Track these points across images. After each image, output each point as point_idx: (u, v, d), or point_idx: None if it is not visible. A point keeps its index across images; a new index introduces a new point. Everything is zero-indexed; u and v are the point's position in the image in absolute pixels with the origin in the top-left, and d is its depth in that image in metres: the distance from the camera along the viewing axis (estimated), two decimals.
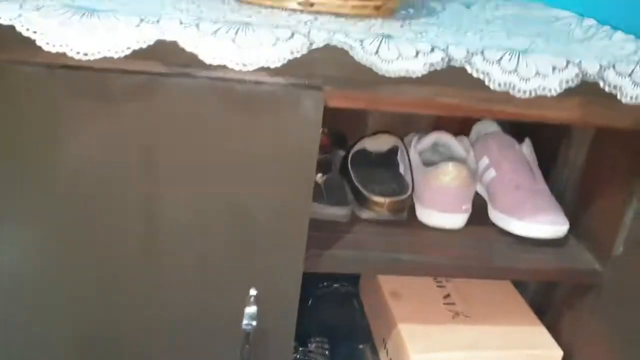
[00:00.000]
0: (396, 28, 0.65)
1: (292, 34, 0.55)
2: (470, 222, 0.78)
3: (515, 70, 0.56)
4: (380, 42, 0.56)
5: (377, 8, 0.70)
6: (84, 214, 0.61)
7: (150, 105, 0.57)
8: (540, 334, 0.82)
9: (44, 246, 0.62)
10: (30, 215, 0.60)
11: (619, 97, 0.59)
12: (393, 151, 0.85)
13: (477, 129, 0.91)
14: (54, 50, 0.52)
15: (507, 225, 0.77)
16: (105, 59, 0.53)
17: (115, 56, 0.53)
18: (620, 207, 0.72)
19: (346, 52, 0.56)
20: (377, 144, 0.85)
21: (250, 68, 0.54)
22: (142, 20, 0.53)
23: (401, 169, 0.83)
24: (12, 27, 0.52)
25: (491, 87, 0.57)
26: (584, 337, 0.79)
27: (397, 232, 0.76)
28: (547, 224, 0.75)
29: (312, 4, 0.67)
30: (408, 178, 0.80)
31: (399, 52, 0.56)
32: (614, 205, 0.74)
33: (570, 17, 0.79)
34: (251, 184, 0.61)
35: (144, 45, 0.53)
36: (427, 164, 0.80)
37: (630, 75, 0.59)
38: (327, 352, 0.86)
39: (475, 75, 0.57)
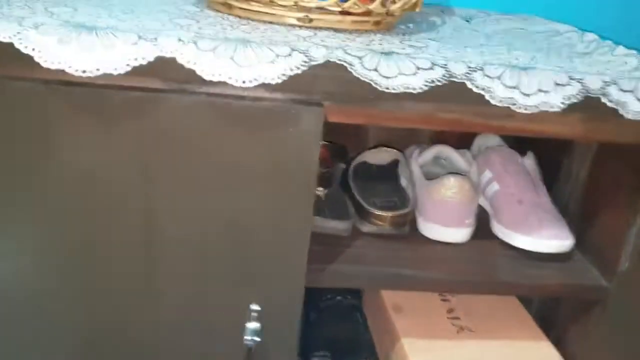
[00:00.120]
0: (396, 43, 0.65)
1: (291, 51, 0.55)
2: (473, 236, 0.77)
3: (517, 86, 0.56)
4: (380, 58, 0.56)
5: (376, 23, 0.70)
6: (82, 230, 0.60)
7: (149, 121, 0.57)
8: (545, 349, 0.81)
9: (42, 261, 0.61)
10: (27, 230, 0.60)
11: (621, 113, 0.58)
12: (394, 164, 0.85)
13: (478, 142, 0.91)
14: (52, 68, 0.52)
15: (511, 239, 0.77)
16: (103, 75, 0.53)
17: (114, 73, 0.53)
18: (625, 222, 0.71)
19: (345, 69, 0.56)
20: (378, 157, 0.84)
21: (249, 85, 0.54)
22: (140, 37, 0.53)
23: (402, 182, 0.82)
24: (10, 45, 0.52)
25: (492, 102, 0.56)
26: (590, 353, 0.78)
27: (399, 246, 0.75)
28: (552, 239, 0.74)
29: (311, 20, 0.67)
30: (410, 191, 0.79)
31: (398, 69, 0.55)
32: (618, 220, 0.73)
33: (571, 32, 0.78)
34: (251, 200, 0.61)
35: (143, 62, 0.53)
36: (429, 177, 0.80)
37: (633, 91, 0.58)
38: None
39: (475, 90, 0.56)
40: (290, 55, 0.54)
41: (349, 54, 0.56)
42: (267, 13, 0.67)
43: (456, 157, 0.83)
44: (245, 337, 0.64)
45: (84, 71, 0.52)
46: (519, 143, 0.88)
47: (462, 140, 0.91)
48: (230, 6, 0.69)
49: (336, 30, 0.67)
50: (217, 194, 0.60)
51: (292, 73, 0.55)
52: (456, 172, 0.79)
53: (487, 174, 0.82)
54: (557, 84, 0.57)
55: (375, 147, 0.84)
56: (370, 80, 0.55)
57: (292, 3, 0.65)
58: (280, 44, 0.56)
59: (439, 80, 0.56)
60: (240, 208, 0.61)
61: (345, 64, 0.55)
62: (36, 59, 0.52)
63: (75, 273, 0.62)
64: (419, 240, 0.77)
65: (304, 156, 0.60)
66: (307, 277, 0.65)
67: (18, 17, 0.56)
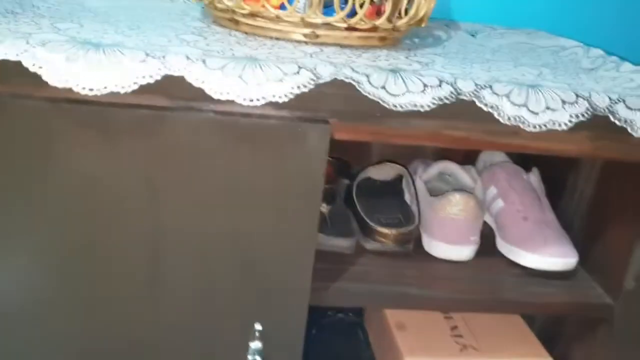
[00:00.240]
0: (402, 59, 0.65)
1: (299, 69, 0.54)
2: (478, 252, 0.77)
3: (525, 104, 0.56)
4: (387, 76, 0.56)
5: (382, 39, 0.70)
6: (88, 247, 0.60)
7: (156, 139, 0.56)
8: None
9: (45, 276, 0.61)
10: (32, 249, 0.59)
11: (629, 131, 0.58)
12: (398, 179, 0.84)
13: (483, 158, 0.91)
14: (59, 86, 0.52)
15: (515, 257, 0.76)
16: (110, 93, 0.53)
17: (122, 91, 0.52)
18: (630, 240, 0.71)
19: (353, 86, 0.55)
20: (382, 172, 0.84)
21: (257, 103, 0.54)
22: (148, 55, 0.53)
23: (407, 198, 0.82)
24: (17, 62, 0.52)
25: (501, 120, 0.56)
26: None
27: (403, 264, 0.75)
28: (557, 257, 0.74)
29: (317, 36, 0.67)
30: (414, 208, 0.79)
31: (406, 86, 0.55)
32: (623, 238, 0.73)
33: (576, 47, 0.79)
34: (256, 217, 0.60)
35: (151, 81, 0.53)
36: (434, 193, 0.79)
37: None
38: None
39: (485, 109, 0.56)
40: (298, 73, 0.54)
41: (356, 72, 0.55)
42: (273, 29, 0.67)
43: (461, 174, 0.82)
44: (249, 357, 0.63)
45: (91, 89, 0.52)
46: (523, 159, 0.88)
47: (467, 156, 0.91)
48: (236, 22, 0.69)
49: (342, 46, 0.67)
50: (223, 212, 0.60)
51: (299, 91, 0.54)
52: (461, 189, 0.78)
53: (492, 191, 0.81)
54: (565, 102, 0.57)
55: (379, 162, 0.84)
56: (378, 98, 0.55)
57: (298, 19, 0.65)
58: (287, 61, 0.56)
59: (446, 98, 0.56)
60: (246, 226, 0.61)
61: (352, 82, 0.55)
62: (44, 77, 0.51)
63: (79, 289, 0.61)
64: (423, 257, 0.76)
65: (310, 174, 0.59)
66: (310, 295, 0.64)
67: (25, 33, 0.56)
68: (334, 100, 0.56)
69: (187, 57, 0.53)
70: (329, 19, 0.65)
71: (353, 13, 0.64)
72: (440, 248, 0.75)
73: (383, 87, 0.55)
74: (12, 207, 0.58)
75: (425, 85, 0.55)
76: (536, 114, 0.56)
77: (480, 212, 0.75)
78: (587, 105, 0.57)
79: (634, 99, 0.58)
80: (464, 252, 0.75)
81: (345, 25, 0.65)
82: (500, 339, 0.83)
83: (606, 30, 0.95)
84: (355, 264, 0.73)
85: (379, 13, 0.67)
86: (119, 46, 0.54)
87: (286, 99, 0.54)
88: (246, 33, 0.68)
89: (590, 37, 0.84)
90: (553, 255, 0.74)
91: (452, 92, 0.55)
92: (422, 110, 0.56)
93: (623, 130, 0.59)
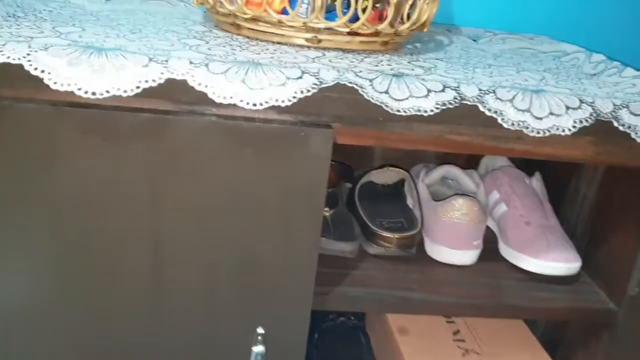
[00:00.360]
0: (404, 64, 0.65)
1: (302, 74, 0.54)
2: (480, 257, 0.77)
3: (529, 109, 0.56)
4: (390, 80, 0.55)
5: (384, 44, 0.70)
6: (89, 252, 0.59)
7: (158, 142, 0.56)
8: None
9: (45, 283, 0.60)
10: (32, 253, 0.59)
11: (633, 136, 0.58)
12: (400, 184, 0.84)
13: (486, 162, 0.90)
14: (62, 89, 0.52)
15: (518, 261, 0.76)
16: (113, 97, 0.52)
17: (124, 95, 0.52)
18: (633, 245, 0.71)
19: (356, 91, 0.55)
20: (384, 176, 0.84)
21: (260, 108, 0.53)
22: (151, 59, 0.53)
23: (409, 202, 0.82)
24: (19, 66, 0.52)
25: (504, 126, 0.56)
26: None
27: (406, 268, 0.74)
28: (560, 262, 0.74)
29: (319, 41, 0.67)
30: (417, 212, 0.78)
31: (409, 91, 0.55)
32: (626, 242, 0.72)
33: (578, 52, 0.79)
34: (259, 221, 0.60)
35: (154, 84, 0.53)
36: (436, 197, 0.79)
37: None
38: None
39: (488, 114, 0.56)
40: (301, 77, 0.54)
41: (360, 77, 0.55)
42: (275, 34, 0.67)
43: (464, 178, 0.82)
44: None
45: (93, 93, 0.52)
46: (526, 164, 0.88)
47: (469, 160, 0.91)
48: (238, 26, 0.69)
49: (344, 50, 0.67)
50: (225, 215, 0.59)
51: (302, 95, 0.54)
52: (464, 193, 0.78)
53: (495, 195, 0.81)
54: (568, 107, 0.57)
55: (381, 166, 0.83)
56: (381, 103, 0.55)
57: (301, 24, 0.65)
58: (290, 65, 0.56)
59: (450, 103, 0.55)
60: (248, 230, 0.60)
61: (356, 87, 0.55)
62: (46, 80, 0.51)
63: (80, 293, 0.61)
64: (425, 262, 0.76)
65: (313, 178, 0.59)
66: (312, 300, 0.64)
67: (27, 37, 0.55)
68: (337, 104, 0.56)
69: (190, 61, 0.53)
70: (332, 24, 0.65)
71: (355, 18, 0.64)
72: (443, 252, 0.75)
73: (386, 92, 0.55)
74: (14, 210, 0.57)
75: (428, 90, 0.55)
76: (540, 119, 0.56)
77: (483, 216, 0.75)
78: (590, 110, 0.57)
79: (638, 105, 0.58)
80: (466, 256, 0.75)
81: (347, 30, 0.65)
82: (503, 344, 0.83)
83: (607, 36, 0.95)
84: (357, 268, 0.73)
85: (381, 18, 0.67)
86: (122, 50, 0.54)
87: (289, 103, 0.54)
88: (248, 37, 0.68)
89: (591, 43, 0.84)
90: (556, 260, 0.74)
91: (455, 97, 0.55)
92: (425, 114, 0.56)
93: (626, 135, 0.59)
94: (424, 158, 0.92)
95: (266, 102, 0.54)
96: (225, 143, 0.57)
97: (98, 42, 0.57)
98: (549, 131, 0.56)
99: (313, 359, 0.87)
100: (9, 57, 0.51)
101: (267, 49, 0.64)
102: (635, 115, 0.58)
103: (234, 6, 0.66)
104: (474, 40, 0.84)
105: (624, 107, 0.58)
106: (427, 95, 0.55)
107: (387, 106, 0.55)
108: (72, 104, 0.54)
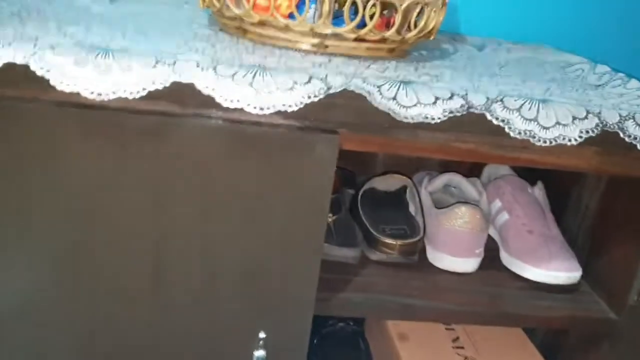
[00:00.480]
0: (411, 71, 0.65)
1: (310, 79, 0.54)
2: (481, 265, 0.77)
3: (535, 118, 0.56)
4: (398, 87, 0.55)
5: (390, 50, 0.70)
6: (91, 253, 0.59)
7: (163, 145, 0.56)
8: None
9: (49, 283, 0.60)
10: (36, 252, 0.59)
11: (639, 147, 0.58)
12: (402, 191, 0.84)
13: (488, 170, 0.90)
14: (67, 90, 0.51)
15: (519, 270, 0.76)
16: (119, 99, 0.52)
17: (130, 97, 0.52)
18: (634, 255, 0.71)
19: (363, 97, 0.55)
20: (387, 183, 0.84)
21: (267, 112, 0.53)
22: (158, 61, 0.53)
23: (411, 209, 0.82)
24: (25, 66, 0.51)
25: (511, 135, 0.56)
26: None
27: (407, 275, 0.74)
28: (560, 271, 0.74)
29: (326, 46, 0.66)
30: (419, 219, 0.78)
31: (417, 98, 0.55)
32: (627, 252, 0.73)
33: (583, 63, 0.79)
34: (262, 226, 0.60)
35: (160, 87, 0.52)
36: (439, 205, 0.79)
37: None
38: None
39: (495, 122, 0.56)
40: (309, 82, 0.54)
41: (368, 83, 0.55)
42: (281, 38, 0.67)
43: (467, 186, 0.82)
44: None
45: (99, 94, 0.51)
46: (528, 173, 0.88)
47: (471, 168, 0.91)
48: (244, 30, 0.68)
49: (350, 56, 0.67)
50: (229, 220, 0.59)
51: (310, 101, 0.54)
52: (466, 201, 0.78)
53: (497, 203, 0.81)
54: (575, 117, 0.57)
55: (384, 173, 0.83)
56: (389, 109, 0.55)
57: (307, 29, 0.65)
58: (297, 70, 0.56)
59: (457, 111, 0.55)
60: (251, 234, 0.60)
61: (363, 93, 0.55)
62: (51, 81, 0.51)
63: (81, 295, 0.61)
64: (427, 269, 0.76)
65: (318, 184, 0.59)
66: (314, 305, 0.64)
67: (32, 36, 0.55)
68: (343, 110, 0.56)
69: (197, 64, 0.53)
70: (339, 30, 0.65)
71: (362, 24, 0.64)
72: (445, 260, 0.75)
73: (394, 99, 0.55)
74: (17, 210, 0.57)
75: (436, 98, 0.55)
76: (547, 128, 0.56)
77: (485, 224, 0.75)
78: (597, 120, 0.57)
79: None
80: (468, 264, 0.75)
81: (354, 36, 0.65)
82: (501, 351, 0.83)
83: (611, 47, 0.96)
84: (359, 275, 0.73)
85: (388, 25, 0.67)
86: (128, 52, 0.53)
87: (296, 108, 0.54)
88: (254, 41, 0.68)
89: (595, 54, 0.84)
90: (557, 269, 0.74)
91: (463, 105, 0.55)
92: (432, 122, 0.55)
93: (632, 146, 0.59)
94: (426, 166, 0.92)
95: (273, 106, 0.53)
96: (231, 147, 0.57)
97: (104, 43, 0.57)
98: (555, 141, 0.56)
99: None
100: (14, 57, 0.51)
101: (273, 53, 0.64)
102: None
103: (240, 10, 0.66)
104: (479, 49, 0.84)
105: (630, 118, 0.58)
106: (434, 103, 0.55)
107: (394, 113, 0.55)
108: (77, 104, 0.53)
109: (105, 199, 0.57)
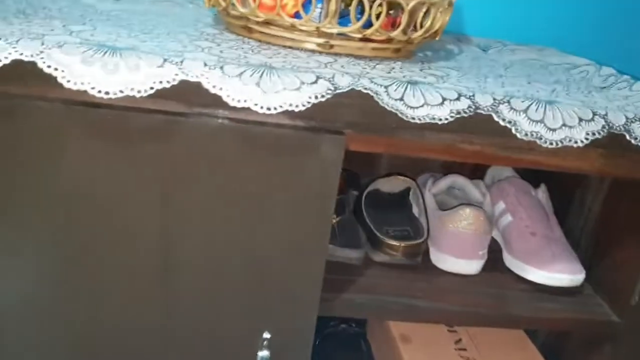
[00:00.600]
0: (416, 71, 0.65)
1: (317, 79, 0.54)
2: (485, 266, 0.77)
3: (542, 120, 0.56)
4: (405, 88, 0.55)
5: (396, 51, 0.70)
6: (96, 251, 0.59)
7: (169, 144, 0.56)
8: None
9: (55, 281, 0.60)
10: (40, 251, 0.58)
11: None
12: (406, 192, 0.84)
13: (491, 173, 0.91)
14: (74, 88, 0.51)
15: (522, 272, 0.76)
16: (125, 97, 0.52)
17: (137, 95, 0.52)
18: (637, 258, 0.71)
19: (370, 97, 0.55)
20: (390, 185, 0.83)
21: (274, 112, 0.53)
22: (165, 60, 0.52)
23: (415, 211, 0.82)
24: (32, 63, 0.51)
25: (518, 136, 0.56)
26: None
27: (411, 276, 0.74)
28: (564, 273, 0.74)
29: (331, 46, 0.66)
30: (423, 221, 0.78)
31: (424, 99, 0.55)
32: (630, 255, 0.73)
33: (588, 65, 0.79)
34: (268, 227, 0.60)
35: (167, 86, 0.52)
36: (442, 207, 0.79)
37: None
38: None
39: (502, 123, 0.56)
40: (315, 82, 0.54)
41: (375, 83, 0.55)
42: (287, 38, 0.67)
43: (470, 188, 0.82)
44: None
45: (107, 92, 0.51)
46: (531, 175, 0.88)
47: (475, 170, 0.91)
48: (250, 30, 0.68)
49: (355, 56, 0.67)
50: (234, 219, 0.59)
51: (316, 101, 0.54)
52: (470, 203, 0.78)
53: (501, 205, 0.81)
54: (581, 119, 0.57)
55: (388, 175, 0.83)
56: (396, 110, 0.55)
57: (313, 28, 0.65)
58: (303, 70, 0.56)
59: (464, 112, 0.55)
60: (257, 235, 0.60)
61: (370, 93, 0.55)
62: (59, 79, 0.51)
63: (88, 293, 0.60)
64: (431, 270, 0.76)
65: (323, 185, 0.59)
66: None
67: (39, 34, 0.55)
68: (350, 110, 0.56)
69: (205, 64, 0.53)
70: (345, 29, 0.65)
71: (369, 24, 0.64)
72: (449, 261, 0.75)
73: (401, 99, 0.55)
74: (22, 208, 0.57)
75: (443, 98, 0.55)
76: (553, 130, 0.56)
77: (489, 226, 0.75)
78: (603, 122, 0.57)
79: None
80: (472, 266, 0.75)
81: (360, 35, 0.65)
82: (503, 353, 0.83)
83: (615, 49, 0.96)
84: (363, 276, 0.73)
85: (394, 25, 0.67)
86: (135, 50, 0.53)
87: (303, 108, 0.54)
88: (259, 41, 0.68)
89: (599, 56, 0.84)
90: (560, 272, 0.74)
91: (470, 106, 0.55)
92: (439, 123, 0.55)
93: (636, 148, 0.59)
94: (430, 167, 0.92)
95: (280, 106, 0.53)
96: (237, 146, 0.56)
97: (110, 42, 0.57)
98: (562, 142, 0.56)
99: None
100: (22, 54, 0.51)
101: (278, 53, 0.64)
102: None
103: (246, 9, 0.66)
104: (484, 50, 0.84)
105: (636, 120, 0.58)
106: (442, 104, 0.55)
107: (402, 113, 0.55)
108: (83, 103, 0.53)
109: (110, 197, 0.57)
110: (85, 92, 0.51)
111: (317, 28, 0.65)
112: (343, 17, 0.65)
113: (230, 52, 0.61)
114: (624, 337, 0.73)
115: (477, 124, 0.57)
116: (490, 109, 0.56)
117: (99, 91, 0.51)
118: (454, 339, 0.85)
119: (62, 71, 0.51)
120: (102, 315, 0.61)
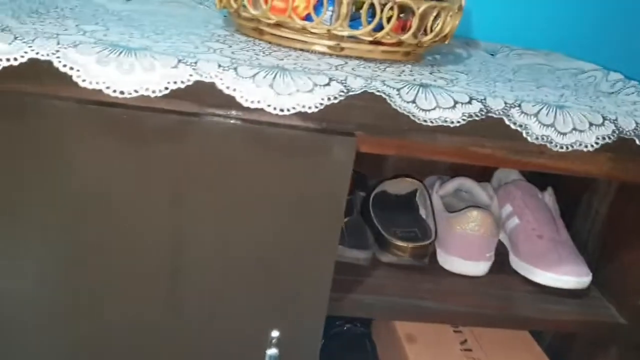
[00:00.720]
0: (426, 75, 0.65)
1: (330, 81, 0.54)
2: (491, 268, 0.77)
3: (553, 124, 0.56)
4: (418, 90, 0.56)
5: (406, 54, 0.70)
6: (107, 251, 0.59)
7: (182, 144, 0.56)
8: None
9: (65, 281, 0.60)
10: (53, 251, 0.59)
11: None
12: (413, 194, 0.84)
13: (498, 175, 0.91)
14: (90, 87, 0.51)
15: (528, 274, 0.76)
16: (140, 97, 0.52)
17: (152, 95, 0.52)
18: None
19: (382, 100, 0.55)
20: (398, 187, 0.84)
21: (287, 113, 0.53)
22: (179, 60, 0.53)
23: (422, 213, 0.82)
24: (48, 62, 0.51)
25: (529, 140, 0.57)
26: None
27: (418, 277, 0.75)
28: (570, 275, 0.74)
29: (342, 49, 0.67)
30: (430, 222, 0.79)
31: (436, 102, 0.55)
32: (637, 258, 0.73)
33: (595, 70, 0.79)
34: (279, 227, 0.60)
35: (181, 86, 0.52)
36: (449, 209, 0.80)
37: None
38: None
39: (513, 127, 0.56)
40: (328, 84, 0.54)
41: (387, 86, 0.56)
42: (298, 40, 0.67)
43: (478, 190, 0.82)
44: None
45: (121, 92, 0.52)
46: (538, 177, 0.88)
47: (482, 173, 0.91)
48: (261, 31, 0.69)
49: (366, 59, 0.67)
50: (245, 220, 0.59)
51: (329, 103, 0.54)
52: (477, 205, 0.78)
53: (508, 208, 0.82)
54: (592, 124, 0.57)
55: (395, 176, 0.84)
56: (408, 112, 0.55)
57: (324, 31, 0.66)
58: (315, 72, 0.56)
59: (476, 115, 0.56)
60: (268, 235, 0.60)
61: (383, 95, 0.55)
62: (74, 78, 0.51)
63: (98, 293, 0.61)
64: (438, 272, 0.76)
65: (334, 186, 0.59)
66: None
67: (53, 33, 0.55)
68: (361, 113, 0.56)
69: (219, 65, 0.53)
70: (356, 32, 0.65)
71: (379, 27, 0.64)
72: (456, 263, 0.75)
73: (413, 102, 0.55)
74: (35, 206, 0.57)
75: (455, 102, 0.55)
76: (563, 134, 0.56)
77: (496, 229, 0.75)
78: (613, 127, 0.57)
79: None
80: (479, 267, 0.75)
81: (370, 38, 0.66)
82: (509, 354, 0.83)
83: (622, 54, 0.96)
84: (370, 276, 0.73)
85: (404, 28, 0.68)
86: (149, 50, 0.54)
87: (315, 110, 0.54)
88: (270, 43, 0.68)
89: (606, 61, 0.84)
90: (567, 274, 0.74)
91: (482, 110, 0.56)
92: (451, 126, 0.56)
93: None
94: (437, 170, 0.93)
95: (293, 107, 0.54)
96: (249, 147, 0.57)
97: (124, 42, 0.57)
98: (572, 146, 0.57)
99: None
100: (37, 53, 0.51)
101: (289, 55, 0.64)
102: None
103: (258, 11, 0.67)
104: (492, 54, 0.84)
105: None
106: (453, 107, 0.55)
107: (414, 116, 0.55)
108: (96, 102, 0.53)
109: (122, 196, 0.57)
110: (99, 91, 0.52)
111: (328, 30, 0.65)
112: (353, 20, 0.66)
113: (241, 53, 0.61)
114: (630, 339, 0.74)
115: (488, 127, 0.57)
116: (501, 113, 0.56)
117: (114, 91, 0.51)
118: (460, 340, 0.85)
119: (78, 70, 0.51)
120: (112, 315, 0.62)
